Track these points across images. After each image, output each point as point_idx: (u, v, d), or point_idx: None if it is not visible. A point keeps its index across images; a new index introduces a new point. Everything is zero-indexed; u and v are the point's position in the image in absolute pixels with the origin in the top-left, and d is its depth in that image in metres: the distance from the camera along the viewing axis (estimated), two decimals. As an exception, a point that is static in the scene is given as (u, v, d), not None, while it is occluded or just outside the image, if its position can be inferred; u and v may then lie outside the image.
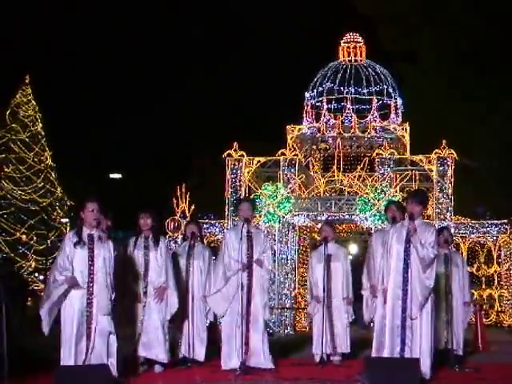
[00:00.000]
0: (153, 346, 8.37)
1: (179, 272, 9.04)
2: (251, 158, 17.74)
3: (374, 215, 16.25)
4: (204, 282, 9.27)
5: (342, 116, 20.23)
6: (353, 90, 20.71)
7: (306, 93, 21.42)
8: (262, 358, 8.50)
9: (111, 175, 29.92)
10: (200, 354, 9.09)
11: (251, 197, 16.39)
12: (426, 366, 7.33)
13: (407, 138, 20.01)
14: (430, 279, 7.46)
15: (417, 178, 18.66)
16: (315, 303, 9.69)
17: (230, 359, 8.49)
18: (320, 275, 9.53)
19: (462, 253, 16.69)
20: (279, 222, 16.74)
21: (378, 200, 16.22)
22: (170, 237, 17.14)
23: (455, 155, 17.22)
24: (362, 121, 20.22)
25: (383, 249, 7.94)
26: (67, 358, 7.18)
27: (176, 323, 9.02)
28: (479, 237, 17.59)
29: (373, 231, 16.60)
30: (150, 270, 8.46)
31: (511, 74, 20.21)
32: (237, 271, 8.58)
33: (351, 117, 20.07)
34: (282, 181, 17.27)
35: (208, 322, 9.40)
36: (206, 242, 13.13)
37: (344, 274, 9.74)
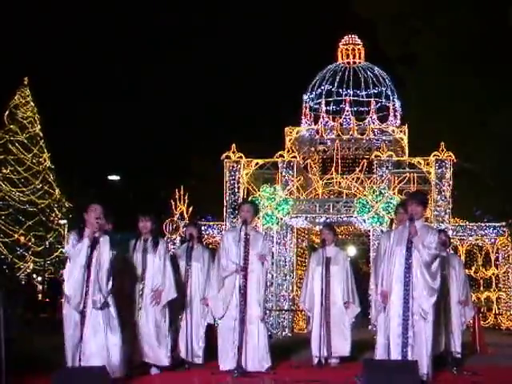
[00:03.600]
0: (150, 349, 8.36)
1: (178, 274, 9.05)
2: (250, 159, 17.73)
3: (373, 217, 16.25)
4: (203, 283, 9.27)
5: (340, 118, 20.23)
6: (351, 92, 20.71)
7: (305, 95, 21.41)
8: (258, 360, 8.49)
9: (109, 177, 29.94)
10: (199, 356, 9.10)
11: (251, 199, 16.38)
12: (426, 368, 7.32)
13: (405, 140, 20.01)
14: (434, 279, 7.44)
15: (415, 180, 18.67)
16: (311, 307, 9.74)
17: (226, 361, 8.49)
18: (318, 277, 9.55)
19: (460, 255, 16.69)
20: (277, 223, 16.73)
21: (377, 202, 16.23)
22: (168, 238, 17.14)
23: (453, 157, 17.23)
24: (360, 123, 20.22)
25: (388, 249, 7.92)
26: (70, 359, 7.27)
27: (175, 325, 9.02)
28: (477, 239, 17.60)
29: (371, 233, 16.62)
30: (147, 272, 8.46)
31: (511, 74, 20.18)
32: (233, 273, 8.59)
33: (350, 119, 20.07)
34: (280, 183, 17.26)
35: (206, 323, 9.39)
36: (204, 243, 13.10)
37: (344, 277, 9.73)
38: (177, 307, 8.86)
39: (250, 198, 16.60)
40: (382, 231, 15.70)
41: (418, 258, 7.46)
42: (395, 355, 7.37)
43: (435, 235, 7.60)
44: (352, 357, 9.73)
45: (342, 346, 9.63)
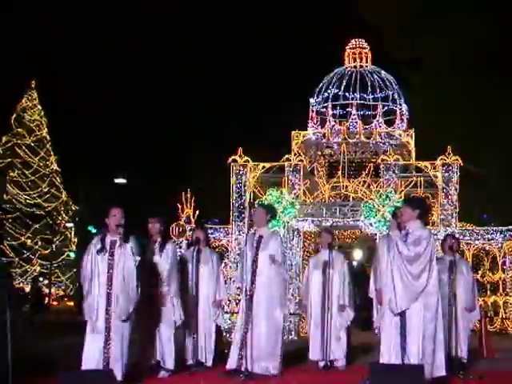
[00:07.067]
0: (160, 351, 8.38)
1: (187, 277, 9.05)
2: (256, 163, 17.75)
3: (379, 221, 16.23)
4: (213, 286, 9.29)
5: (347, 122, 20.22)
6: (358, 96, 20.68)
7: (311, 98, 21.40)
8: (265, 363, 8.48)
9: (116, 180, 29.93)
10: (208, 358, 9.12)
11: (258, 201, 16.39)
12: (429, 372, 7.30)
13: (412, 144, 19.99)
14: (414, 279, 7.36)
15: (422, 184, 18.64)
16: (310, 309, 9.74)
17: (233, 361, 8.48)
18: (317, 281, 9.57)
19: (467, 259, 16.65)
20: (284, 227, 16.74)
21: (383, 206, 16.21)
22: (174, 242, 17.12)
23: (460, 161, 17.20)
24: (367, 127, 20.19)
25: (388, 254, 7.92)
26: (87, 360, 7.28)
27: (184, 328, 9.02)
28: (484, 243, 17.55)
29: (377, 237, 16.59)
30: (155, 274, 8.48)
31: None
32: (242, 277, 8.63)
33: (356, 123, 20.04)
34: (286, 186, 17.28)
35: (215, 326, 9.40)
36: (210, 247, 13.11)
37: (342, 280, 9.71)
38: (185, 310, 8.86)
39: (257, 201, 16.62)
40: (388, 235, 15.68)
41: (396, 254, 7.42)
42: (392, 359, 7.35)
43: (421, 235, 7.49)
44: (358, 359, 9.71)
45: (336, 349, 9.58)
